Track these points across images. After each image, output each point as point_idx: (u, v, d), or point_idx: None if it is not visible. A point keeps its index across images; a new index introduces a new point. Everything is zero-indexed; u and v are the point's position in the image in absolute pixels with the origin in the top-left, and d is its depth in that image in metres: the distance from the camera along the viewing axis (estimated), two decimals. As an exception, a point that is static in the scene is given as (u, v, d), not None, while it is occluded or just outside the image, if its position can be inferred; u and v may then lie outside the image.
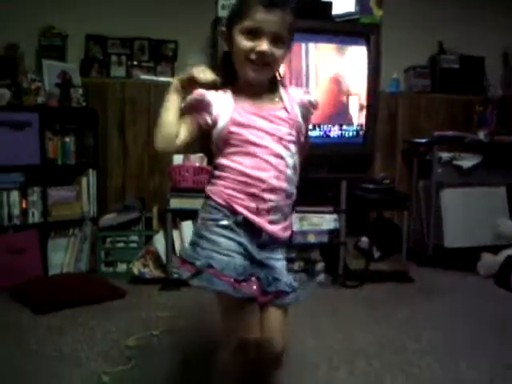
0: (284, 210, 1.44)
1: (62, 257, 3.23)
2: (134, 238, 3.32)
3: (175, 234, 3.10)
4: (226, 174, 1.41)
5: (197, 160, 3.21)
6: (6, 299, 2.76)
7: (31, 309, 2.58)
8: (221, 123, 1.38)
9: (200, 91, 1.40)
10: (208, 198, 1.44)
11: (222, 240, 1.36)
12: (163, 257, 3.08)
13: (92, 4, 3.57)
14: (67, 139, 3.31)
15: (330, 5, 3.41)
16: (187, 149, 1.43)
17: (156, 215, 3.39)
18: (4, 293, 2.81)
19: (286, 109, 1.45)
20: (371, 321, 2.55)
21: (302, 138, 1.49)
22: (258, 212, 1.38)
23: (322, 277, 3.22)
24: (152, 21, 3.69)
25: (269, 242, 1.43)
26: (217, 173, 1.44)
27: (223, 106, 1.39)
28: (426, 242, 3.65)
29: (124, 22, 3.65)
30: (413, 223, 3.67)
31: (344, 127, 3.34)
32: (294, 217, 3.16)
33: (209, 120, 1.39)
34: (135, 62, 3.73)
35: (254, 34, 1.34)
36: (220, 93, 1.42)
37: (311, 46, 3.25)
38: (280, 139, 1.41)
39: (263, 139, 1.39)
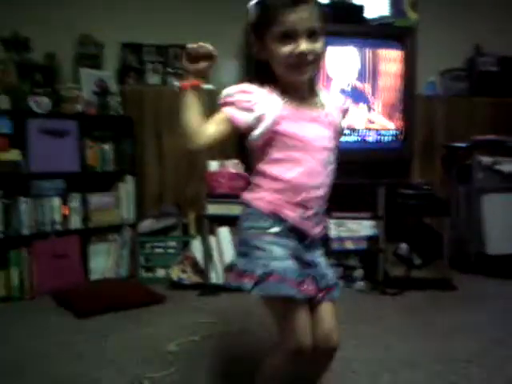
0: (321, 213, 1.44)
1: (103, 262, 3.27)
2: (172, 243, 3.33)
3: (212, 239, 3.10)
4: (268, 182, 1.38)
5: (232, 166, 3.21)
6: (48, 303, 2.82)
7: (73, 313, 2.62)
8: (266, 123, 1.32)
9: (246, 86, 1.34)
10: (249, 206, 1.40)
11: (274, 247, 1.34)
12: (201, 262, 3.09)
13: (127, 13, 3.63)
14: (105, 146, 3.35)
15: (361, 8, 3.39)
16: (217, 144, 1.37)
17: (193, 221, 3.40)
18: (47, 297, 2.87)
19: (329, 115, 1.42)
20: (413, 329, 2.49)
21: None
22: (302, 219, 1.38)
23: (360, 284, 3.18)
24: (186, 28, 3.72)
25: (311, 243, 1.44)
26: (258, 180, 1.41)
27: (270, 106, 1.33)
28: (467, 249, 3.56)
29: (158, 30, 3.69)
30: (454, 229, 3.59)
31: (381, 132, 3.31)
32: (332, 222, 3.14)
33: (251, 119, 1.32)
34: (170, 69, 3.76)
35: (288, 37, 1.30)
36: (265, 91, 1.36)
37: (344, 49, 3.23)
38: (325, 146, 1.39)
39: (310, 146, 1.36)
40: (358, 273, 3.18)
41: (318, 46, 1.33)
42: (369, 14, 3.44)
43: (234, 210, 3.01)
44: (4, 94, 3.00)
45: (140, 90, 3.66)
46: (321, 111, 1.41)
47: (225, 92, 1.35)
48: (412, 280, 3.13)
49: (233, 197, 3.06)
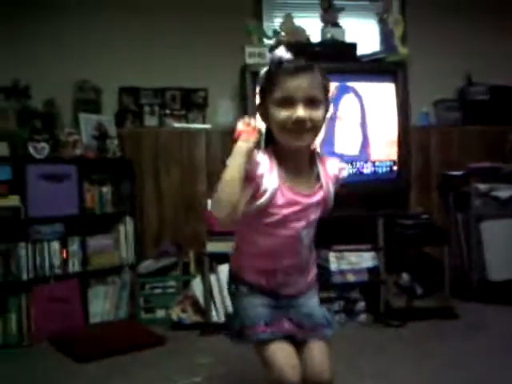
0: (298, 282, 1.50)
1: (102, 305, 3.25)
2: (172, 283, 3.31)
3: (212, 278, 3.08)
4: (242, 247, 1.51)
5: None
6: (48, 349, 2.78)
7: (73, 358, 2.58)
8: (264, 200, 1.35)
9: (257, 160, 1.34)
10: (229, 269, 1.60)
11: (245, 299, 1.48)
12: (201, 301, 3.06)
13: (124, 58, 3.70)
14: (104, 189, 3.37)
15: (354, 46, 3.47)
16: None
17: (193, 260, 3.39)
18: (46, 343, 2.84)
19: (321, 188, 1.44)
20: (418, 361, 2.45)
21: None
22: (268, 285, 1.48)
23: (363, 316, 3.15)
24: (182, 71, 3.81)
25: (289, 299, 1.50)
26: (236, 241, 1.55)
27: (271, 183, 1.35)
28: (468, 277, 3.54)
29: (155, 73, 3.76)
30: (453, 257, 3.58)
31: (377, 163, 3.34)
32: (332, 255, 3.12)
33: (260, 189, 1.35)
34: (167, 111, 3.83)
35: (287, 103, 1.32)
36: (268, 165, 1.36)
37: (339, 86, 3.29)
38: (308, 223, 1.43)
39: (292, 224, 1.40)
40: (360, 305, 3.15)
41: (317, 113, 1.34)
42: (361, 50, 3.53)
43: (234, 247, 3.01)
44: (3, 141, 3.05)
45: (138, 132, 3.72)
46: (315, 187, 1.43)
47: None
48: (414, 310, 3.11)
49: (233, 234, 3.06)
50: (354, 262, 3.16)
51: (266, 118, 1.40)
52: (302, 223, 1.41)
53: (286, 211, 1.37)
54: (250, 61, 3.26)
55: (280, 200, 1.36)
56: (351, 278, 3.15)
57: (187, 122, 3.84)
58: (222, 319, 3.03)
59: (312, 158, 1.46)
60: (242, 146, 1.28)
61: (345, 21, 3.73)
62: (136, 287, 3.28)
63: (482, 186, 3.53)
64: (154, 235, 3.68)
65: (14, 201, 2.96)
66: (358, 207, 3.26)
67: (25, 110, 3.28)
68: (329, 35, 3.52)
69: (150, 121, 3.81)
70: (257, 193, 1.34)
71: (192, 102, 3.86)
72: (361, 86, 3.33)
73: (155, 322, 3.17)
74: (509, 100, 4.04)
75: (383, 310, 3.13)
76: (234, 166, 1.27)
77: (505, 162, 3.72)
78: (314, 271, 1.57)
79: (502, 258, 3.41)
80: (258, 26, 3.55)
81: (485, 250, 3.46)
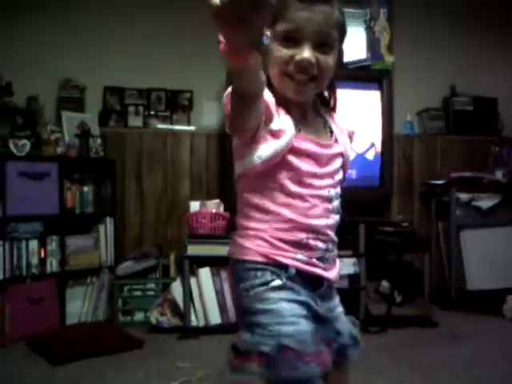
0: (334, 258, 1.18)
1: (80, 306, 3.20)
2: (152, 285, 3.28)
3: (193, 281, 3.06)
4: (261, 224, 1.10)
5: (213, 206, 3.21)
6: (23, 349, 2.73)
7: (48, 360, 2.54)
8: (282, 141, 1.05)
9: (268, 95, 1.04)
10: (241, 261, 1.11)
11: (283, 305, 1.04)
12: (181, 305, 3.04)
13: (109, 57, 3.67)
14: (85, 188, 3.34)
15: (341, 52, 3.48)
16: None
17: (173, 262, 3.36)
18: (21, 344, 2.78)
19: (337, 142, 1.18)
20: (396, 368, 2.46)
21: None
22: (309, 262, 1.11)
23: (342, 323, 3.15)
24: (167, 72, 3.78)
25: (328, 290, 1.17)
26: (247, 221, 1.13)
27: (286, 124, 1.07)
28: (448, 285, 3.56)
29: (140, 73, 3.73)
30: (433, 266, 3.60)
31: (361, 170, 3.35)
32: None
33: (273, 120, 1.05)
34: (152, 112, 3.80)
35: (293, 39, 1.05)
36: (275, 105, 1.07)
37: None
38: (334, 182, 1.15)
39: (317, 178, 1.11)
40: (340, 312, 3.16)
41: (326, 59, 1.07)
42: (347, 57, 3.53)
43: (215, 250, 3.00)
44: (-17, 138, 3.01)
45: (122, 132, 3.69)
46: (329, 138, 1.18)
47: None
48: (394, 317, 3.12)
49: (214, 237, 3.06)
50: (334, 268, 3.15)
51: (263, 57, 1.05)
52: (328, 181, 1.13)
53: (308, 163, 1.10)
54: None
55: (299, 147, 1.08)
56: (332, 284, 3.14)
57: (172, 123, 3.81)
58: (202, 323, 3.01)
59: (314, 106, 1.20)
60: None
61: (332, 27, 3.74)
62: (115, 289, 3.24)
63: (464, 196, 3.56)
64: (135, 237, 3.65)
65: (-8, 198, 2.92)
66: (340, 213, 3.27)
67: (6, 107, 3.24)
68: (316, 41, 3.53)
69: (134, 121, 3.78)
70: (268, 117, 1.05)
71: (177, 103, 3.84)
72: (346, 93, 3.34)
73: (133, 325, 3.14)
74: (491, 111, 4.10)
75: (363, 317, 3.13)
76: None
77: (487, 171, 3.76)
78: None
79: (480, 268, 3.44)
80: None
81: (464, 259, 3.48)
